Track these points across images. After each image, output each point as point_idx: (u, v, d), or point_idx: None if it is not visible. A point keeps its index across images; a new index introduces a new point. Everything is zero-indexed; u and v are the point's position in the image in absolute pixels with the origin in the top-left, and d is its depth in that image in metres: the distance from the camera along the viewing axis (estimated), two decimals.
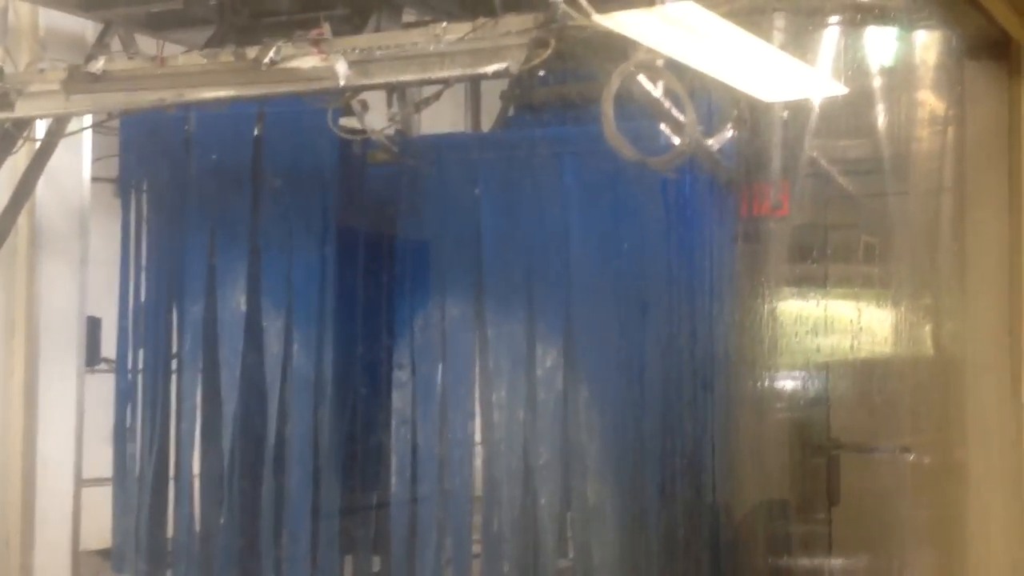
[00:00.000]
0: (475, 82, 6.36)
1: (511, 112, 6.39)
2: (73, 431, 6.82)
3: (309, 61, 4.74)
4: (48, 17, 6.49)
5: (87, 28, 6.42)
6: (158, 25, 6.07)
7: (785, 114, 4.94)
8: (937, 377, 4.96)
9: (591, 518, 5.65)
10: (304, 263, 6.10)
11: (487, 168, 5.84)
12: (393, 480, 6.06)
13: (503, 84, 6.22)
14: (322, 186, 6.07)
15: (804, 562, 5.30)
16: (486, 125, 6.60)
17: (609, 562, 5.61)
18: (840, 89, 4.67)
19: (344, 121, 5.66)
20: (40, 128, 6.15)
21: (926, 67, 5.10)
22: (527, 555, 5.80)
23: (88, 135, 6.58)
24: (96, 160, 6.96)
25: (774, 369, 5.31)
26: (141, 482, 6.49)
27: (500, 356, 5.83)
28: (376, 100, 5.79)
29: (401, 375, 6.06)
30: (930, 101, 5.21)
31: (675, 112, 4.50)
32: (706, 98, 4.93)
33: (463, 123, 6.59)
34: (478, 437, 6.03)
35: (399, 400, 6.05)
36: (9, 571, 6.54)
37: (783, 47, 4.27)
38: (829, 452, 5.18)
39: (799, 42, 4.52)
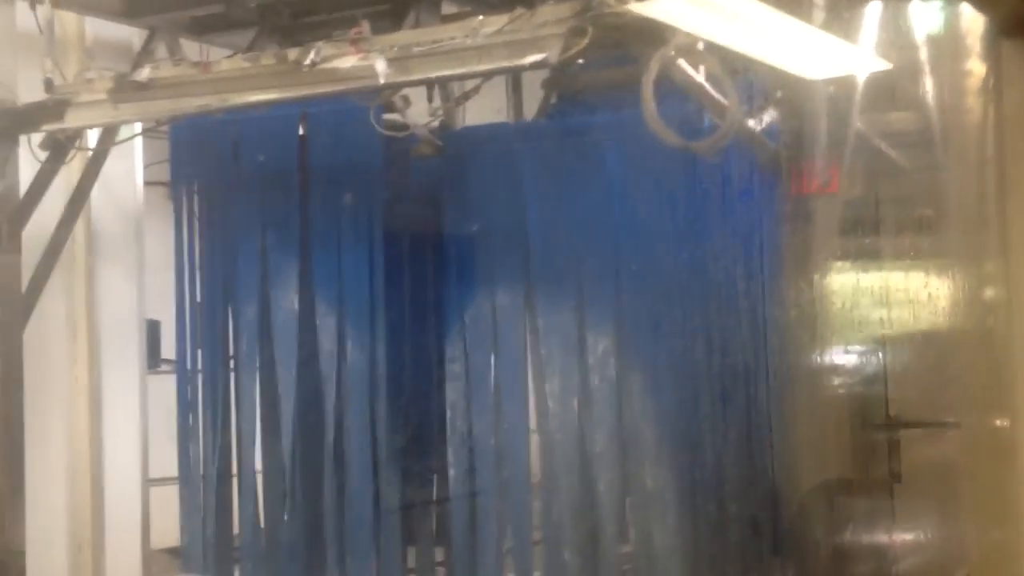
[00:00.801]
0: (513, 74, 6.33)
1: (553, 100, 6.37)
2: (138, 433, 6.94)
3: (348, 60, 4.76)
4: (94, 26, 6.58)
5: (134, 35, 6.50)
6: (201, 30, 6.13)
7: (830, 90, 4.85)
8: (992, 350, 4.87)
9: (650, 503, 5.63)
10: (353, 260, 6.14)
11: (531, 157, 5.83)
12: (451, 471, 6.10)
13: (544, 72, 6.20)
14: (367, 182, 6.10)
15: (867, 542, 5.25)
16: (529, 113, 6.58)
17: (670, 546, 5.60)
18: (883, 64, 4.59)
19: (387, 117, 5.69)
20: (91, 136, 6.26)
21: (972, 37, 4.99)
22: (587, 542, 5.80)
23: (139, 141, 6.67)
24: (148, 165, 7.07)
25: (830, 347, 5.24)
26: (205, 481, 6.58)
27: (552, 345, 5.82)
28: (418, 94, 5.80)
29: (454, 367, 6.09)
30: (976, 71, 5.10)
31: (716, 95, 4.45)
32: (747, 79, 4.87)
33: (506, 112, 6.57)
34: (533, 426, 6.04)
35: (453, 392, 6.08)
36: (82, 572, 6.67)
37: (824, 25, 4.20)
38: (889, 429, 5.11)
39: (840, 17, 4.44)
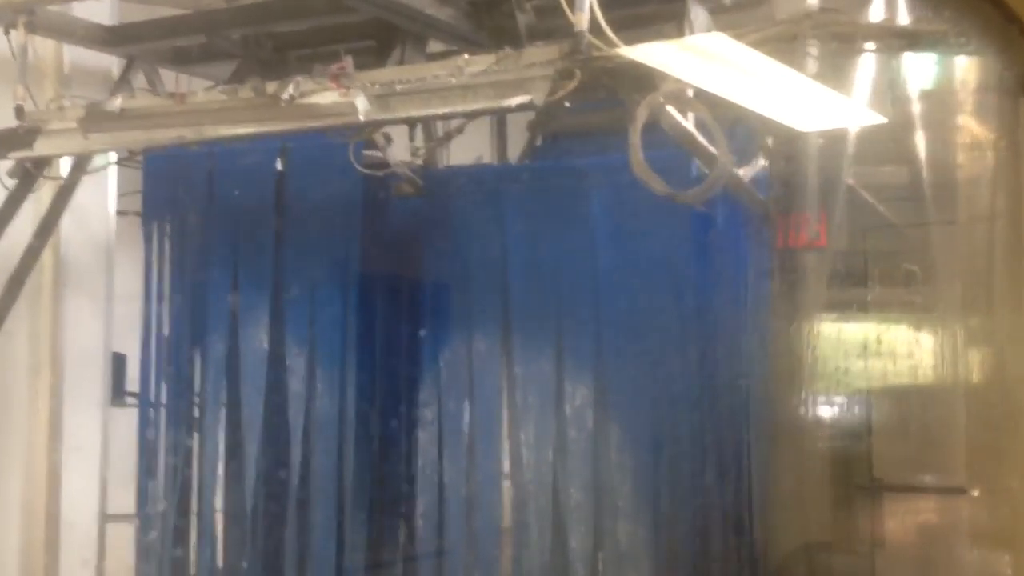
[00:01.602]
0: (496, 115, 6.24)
1: (538, 142, 6.27)
2: (98, 468, 6.75)
3: (329, 96, 4.65)
4: (73, 53, 6.46)
5: (113, 63, 6.38)
6: (182, 60, 6.02)
7: (820, 143, 4.76)
8: (989, 410, 4.76)
9: (623, 559, 5.48)
10: (327, 300, 6.01)
11: (514, 200, 5.73)
12: (419, 520, 5.94)
13: (530, 114, 6.10)
14: (345, 221, 5.98)
15: None
16: (513, 154, 6.47)
17: None
18: (877, 118, 4.50)
19: (367, 153, 5.57)
20: (63, 164, 6.11)
21: (966, 91, 4.92)
22: None
23: (113, 170, 6.54)
24: (122, 195, 6.92)
25: (813, 404, 5.12)
26: (163, 520, 6.41)
27: (528, 394, 5.70)
28: (399, 132, 5.69)
29: (426, 413, 5.94)
30: (971, 127, 5.03)
31: (705, 143, 4.34)
32: (737, 127, 4.78)
33: (489, 153, 6.46)
34: (506, 477, 5.89)
35: (425, 439, 5.93)
36: None
37: (817, 76, 4.11)
38: (872, 491, 4.98)
39: (834, 69, 4.35)
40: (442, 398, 5.91)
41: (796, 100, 4.19)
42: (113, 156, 6.15)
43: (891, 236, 5.28)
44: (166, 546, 6.38)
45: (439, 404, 5.92)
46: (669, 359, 5.46)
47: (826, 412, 5.16)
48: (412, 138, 5.45)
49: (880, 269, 5.10)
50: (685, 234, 5.32)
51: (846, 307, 5.11)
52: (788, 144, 4.75)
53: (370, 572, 6.13)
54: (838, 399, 5.16)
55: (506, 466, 5.86)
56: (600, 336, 5.56)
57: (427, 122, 5.51)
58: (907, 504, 5.07)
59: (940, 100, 4.99)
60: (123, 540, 6.76)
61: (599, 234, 5.52)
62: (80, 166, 6.02)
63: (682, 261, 5.39)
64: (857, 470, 4.99)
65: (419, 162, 5.88)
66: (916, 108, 5.02)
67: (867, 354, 4.96)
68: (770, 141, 4.72)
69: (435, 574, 5.92)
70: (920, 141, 5.03)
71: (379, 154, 5.64)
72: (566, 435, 5.60)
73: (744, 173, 4.74)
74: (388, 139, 5.53)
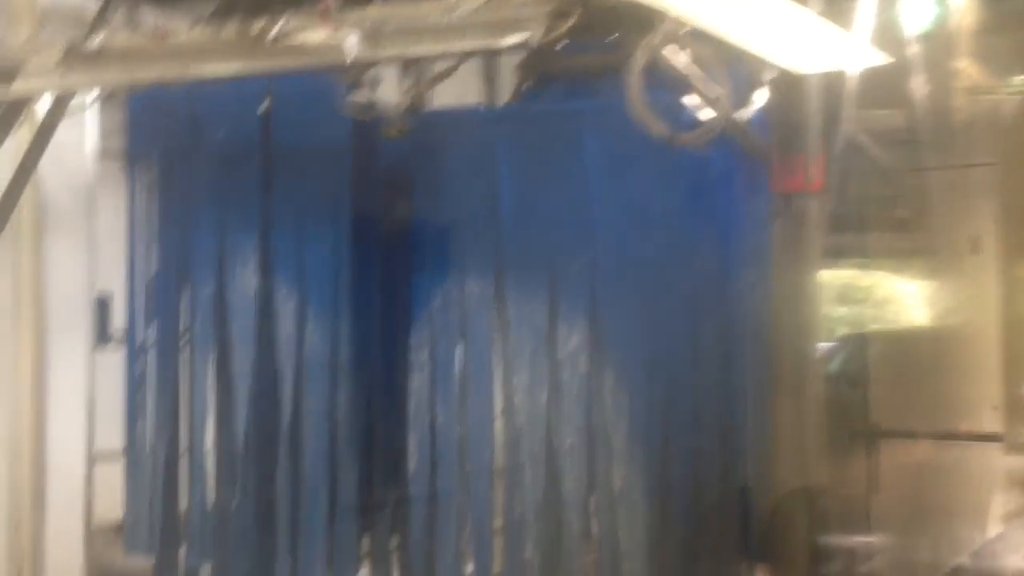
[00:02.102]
0: (490, 55, 6.10)
1: (528, 84, 6.15)
2: (84, 408, 6.72)
3: (316, 35, 4.51)
4: None
5: (89, 2, 6.20)
6: None
7: (820, 84, 4.67)
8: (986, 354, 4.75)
9: (616, 502, 5.49)
10: (317, 241, 5.93)
11: (505, 142, 5.63)
12: (411, 462, 5.93)
13: (518, 55, 5.97)
14: (334, 162, 5.88)
15: (840, 549, 5.14)
16: (502, 98, 6.35)
17: (635, 546, 5.46)
18: (881, 59, 4.41)
19: (355, 96, 5.45)
20: (42, 105, 5.96)
21: (967, 33, 4.83)
22: (550, 538, 5.66)
23: (93, 110, 6.39)
24: (102, 135, 6.79)
25: (810, 347, 5.10)
26: (153, 460, 6.39)
27: (521, 337, 5.65)
28: (388, 73, 5.56)
29: (419, 355, 5.90)
30: (969, 69, 4.95)
31: (703, 85, 4.25)
32: (735, 68, 4.68)
33: (478, 95, 6.35)
34: (498, 420, 5.87)
35: (417, 382, 5.89)
36: (21, 552, 6.46)
37: (821, 14, 4.01)
38: (869, 436, 4.99)
39: (836, 7, 4.25)
40: (434, 340, 5.85)
41: (798, 39, 4.10)
42: (91, 97, 6.01)
43: (889, 180, 5.24)
44: (156, 486, 6.37)
45: (431, 346, 5.87)
46: (664, 303, 5.42)
47: (822, 357, 5.15)
48: (403, 78, 5.33)
49: (877, 214, 5.07)
50: (681, 177, 5.25)
51: (844, 252, 5.08)
52: (788, 85, 4.66)
53: (362, 513, 6.14)
54: (834, 345, 5.16)
55: (499, 409, 5.84)
56: (594, 279, 5.50)
57: (417, 62, 5.37)
58: (903, 449, 5.10)
59: (940, 42, 4.91)
60: (111, 480, 6.75)
61: (593, 177, 5.43)
62: (59, 106, 5.86)
63: (677, 204, 5.32)
64: (856, 415, 5.00)
65: (406, 104, 5.77)
66: (915, 50, 4.94)
67: (863, 300, 4.94)
68: (768, 83, 4.61)
69: (428, 515, 5.91)
70: (918, 83, 4.96)
71: (367, 95, 5.52)
72: (559, 378, 5.57)
73: (742, 115, 4.65)
74: (377, 80, 5.40)
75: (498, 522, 5.89)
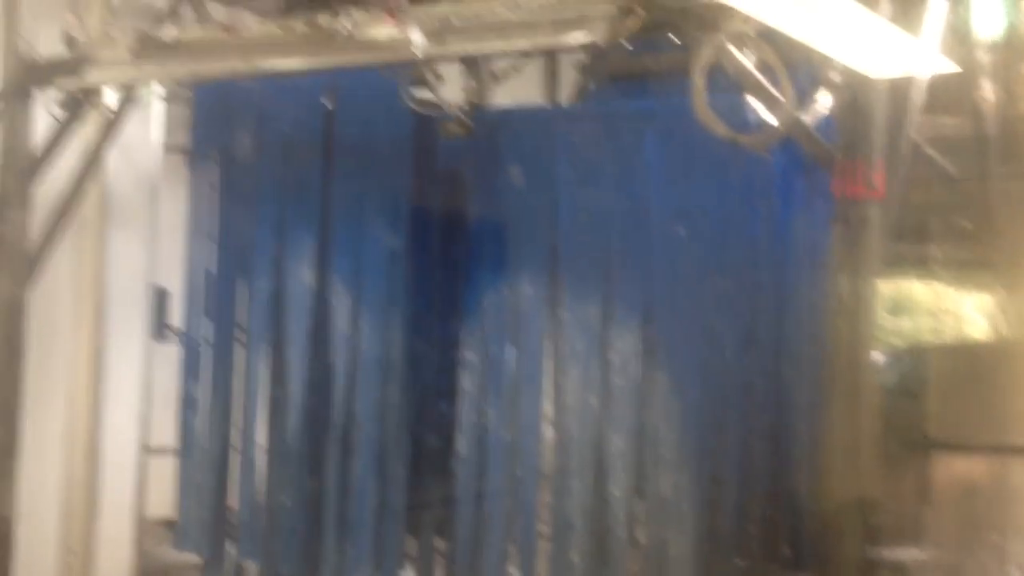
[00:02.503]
0: (554, 53, 6.12)
1: (590, 84, 6.16)
2: (139, 401, 6.78)
3: (384, 31, 4.56)
4: None
5: None
6: None
7: (886, 89, 4.62)
8: None
9: (665, 509, 5.44)
10: (375, 239, 5.97)
11: (565, 142, 5.63)
12: (460, 463, 5.91)
13: (579, 55, 5.99)
14: (395, 160, 5.92)
15: (892, 562, 5.05)
16: (564, 97, 6.36)
17: (683, 555, 5.41)
18: (949, 65, 4.36)
19: (418, 93, 5.49)
20: (111, 97, 6.06)
21: None
22: (597, 544, 5.62)
23: (159, 104, 6.49)
24: (169, 130, 6.88)
25: (869, 357, 5.02)
26: (206, 455, 6.44)
27: (574, 339, 5.63)
28: (451, 71, 5.60)
29: (470, 356, 5.90)
30: None
31: (769, 86, 4.23)
32: (800, 70, 4.65)
33: (540, 95, 6.36)
34: (548, 423, 5.84)
35: (468, 382, 5.88)
36: (73, 540, 6.52)
37: (891, 18, 3.98)
38: (925, 448, 4.91)
39: (907, 13, 4.21)
40: (487, 341, 5.85)
41: (866, 42, 4.07)
42: (161, 89, 6.10)
43: (952, 189, 5.17)
44: (207, 481, 6.41)
45: (484, 347, 5.86)
46: (719, 308, 5.38)
47: (880, 367, 5.07)
48: (467, 76, 5.36)
49: (940, 223, 5.00)
50: (742, 180, 5.22)
51: (904, 262, 5.01)
52: (853, 89, 4.62)
53: (411, 513, 6.14)
54: (893, 354, 5.09)
55: (549, 411, 5.81)
56: (650, 283, 5.48)
57: (481, 60, 5.40)
58: (959, 463, 5.01)
59: (1008, 48, 4.84)
60: (164, 474, 6.80)
61: (653, 179, 5.43)
62: (129, 97, 5.96)
63: (739, 208, 5.29)
64: (911, 427, 4.92)
65: (466, 104, 5.80)
66: (983, 57, 4.88)
67: (923, 310, 4.87)
68: (835, 85, 4.56)
69: (475, 518, 5.89)
70: (986, 91, 4.90)
71: (430, 93, 5.55)
72: (611, 382, 5.54)
73: (807, 118, 4.61)
74: (439, 77, 5.44)
75: (545, 526, 5.87)
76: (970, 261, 5.14)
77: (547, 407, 5.81)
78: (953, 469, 5.08)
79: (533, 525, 5.81)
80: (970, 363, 5.04)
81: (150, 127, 6.62)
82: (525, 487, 5.79)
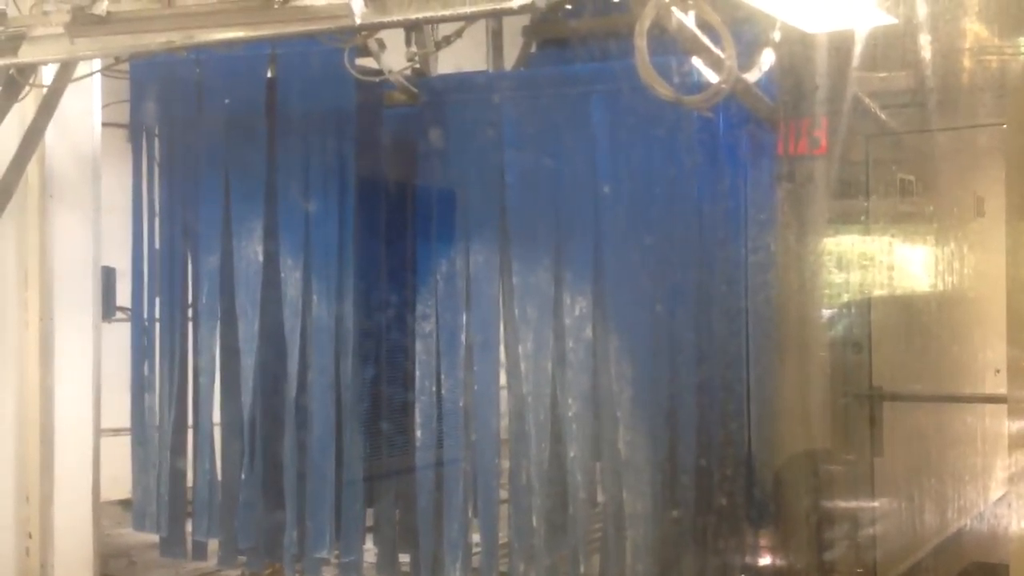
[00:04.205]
0: (497, 18, 6.08)
1: (534, 49, 6.13)
2: (91, 382, 6.72)
3: None
4: None
5: None
6: None
7: (826, 45, 4.66)
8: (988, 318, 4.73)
9: (622, 469, 5.48)
10: (322, 209, 5.92)
11: (511, 108, 5.59)
12: (417, 432, 5.91)
13: (524, 19, 5.96)
14: (339, 129, 5.87)
15: (843, 513, 5.15)
16: (508, 63, 6.33)
17: (641, 512, 5.46)
18: (888, 19, 4.40)
19: (360, 61, 5.44)
20: (47, 73, 5.96)
21: None
22: (556, 507, 5.66)
23: (97, 79, 6.39)
24: (106, 105, 6.78)
25: (814, 311, 5.09)
26: (160, 434, 6.41)
27: (527, 305, 5.62)
28: (393, 38, 5.55)
29: (424, 325, 5.88)
30: (975, 29, 4.93)
31: (711, 46, 4.25)
32: (742, 29, 4.67)
33: (484, 62, 6.32)
34: (504, 389, 5.86)
35: (423, 351, 5.87)
36: (29, 524, 6.47)
37: None
38: (872, 400, 4.98)
39: None
40: (440, 309, 5.83)
41: None
42: (97, 64, 6.00)
43: (892, 144, 5.22)
44: (163, 460, 6.38)
45: (436, 315, 5.84)
46: (669, 269, 5.40)
47: (827, 322, 5.14)
48: (409, 43, 5.32)
49: (882, 177, 5.05)
50: (688, 141, 5.24)
51: (848, 217, 5.06)
52: (794, 46, 4.65)
53: (368, 483, 6.14)
54: (838, 309, 5.15)
55: (504, 377, 5.83)
56: (600, 246, 5.48)
57: (423, 27, 5.36)
58: (906, 413, 5.09)
59: (946, 2, 4.89)
60: (120, 455, 6.76)
61: (599, 142, 5.41)
62: (65, 73, 5.86)
63: (685, 169, 5.30)
64: (858, 379, 4.99)
65: (410, 70, 5.75)
66: (921, 10, 4.92)
67: (868, 264, 4.93)
68: (777, 41, 4.58)
69: (434, 485, 5.90)
70: (924, 44, 4.95)
71: (372, 62, 5.51)
72: (565, 346, 5.55)
73: (749, 77, 4.64)
74: (382, 45, 5.39)
75: (504, 491, 5.90)
76: (912, 214, 5.21)
77: (502, 373, 5.83)
78: (901, 419, 5.16)
79: (493, 491, 5.83)
80: (914, 315, 5.12)
81: (89, 103, 6.52)
82: (483, 453, 5.81)
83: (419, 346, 5.87)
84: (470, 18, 4.53)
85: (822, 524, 5.04)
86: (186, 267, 6.35)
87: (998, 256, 3.97)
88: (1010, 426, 3.76)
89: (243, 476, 6.18)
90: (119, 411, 6.68)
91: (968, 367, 5.28)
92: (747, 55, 4.60)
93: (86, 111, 6.53)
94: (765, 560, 5.49)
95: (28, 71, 5.60)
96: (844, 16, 4.25)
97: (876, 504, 5.21)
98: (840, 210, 5.12)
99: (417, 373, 5.88)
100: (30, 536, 6.44)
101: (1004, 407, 3.83)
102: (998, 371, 4.98)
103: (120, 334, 6.91)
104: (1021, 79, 4.01)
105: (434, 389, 5.86)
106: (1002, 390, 4.07)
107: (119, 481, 6.99)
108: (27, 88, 5.70)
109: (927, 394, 5.05)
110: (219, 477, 6.30)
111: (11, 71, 5.47)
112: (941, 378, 5.11)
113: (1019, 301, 3.75)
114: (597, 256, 5.50)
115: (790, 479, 5.07)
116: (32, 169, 6.33)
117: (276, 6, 4.58)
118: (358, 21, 4.50)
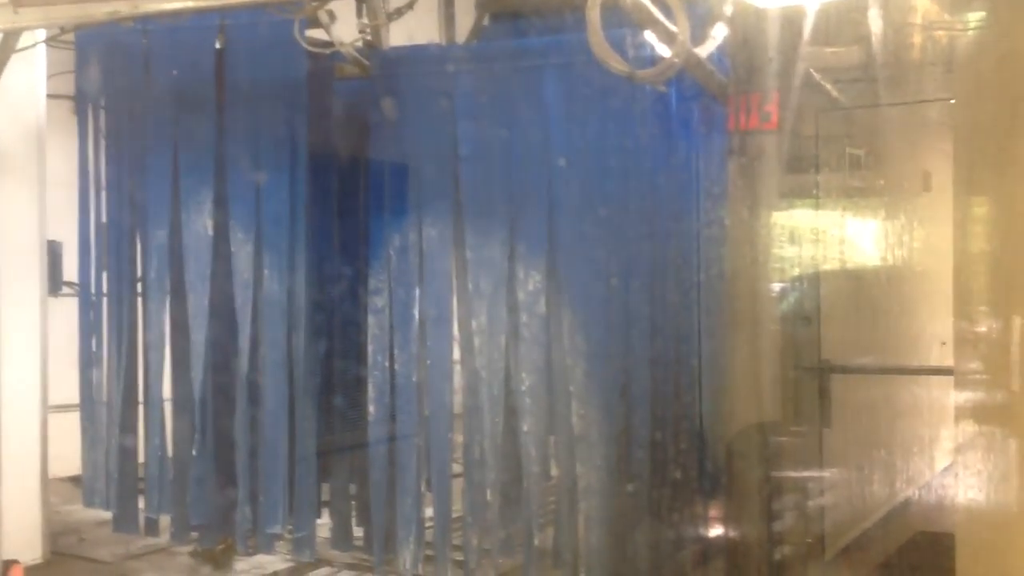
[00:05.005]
0: None
1: (487, 21, 6.09)
2: (38, 358, 6.63)
3: None
4: None
5: None
6: None
7: (777, 19, 4.67)
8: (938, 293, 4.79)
9: (575, 443, 5.50)
10: (273, 182, 5.85)
11: (464, 81, 5.56)
12: (371, 407, 5.89)
13: None
14: (289, 101, 5.80)
15: (793, 484, 5.21)
16: (461, 35, 6.28)
17: (594, 486, 5.49)
18: None
19: (310, 33, 5.38)
20: None
21: None
22: (510, 481, 5.68)
23: (42, 51, 6.26)
24: (52, 76, 6.65)
25: (764, 285, 5.13)
26: (109, 410, 6.34)
27: (480, 278, 5.61)
28: (344, 10, 5.49)
29: (377, 299, 5.85)
30: (924, 5, 4.97)
31: (664, 20, 4.24)
32: (695, 3, 4.66)
33: (436, 34, 6.27)
34: (458, 363, 5.85)
35: (375, 326, 5.84)
36: None
37: None
38: (819, 372, 5.04)
39: None
40: (393, 283, 5.80)
41: None
42: (41, 34, 5.88)
43: (843, 118, 5.26)
44: (112, 436, 6.32)
45: (389, 289, 5.81)
46: (623, 243, 5.41)
47: (777, 295, 5.18)
48: (360, 15, 5.25)
49: (832, 152, 5.09)
50: (641, 115, 5.23)
51: (798, 191, 5.10)
52: (746, 21, 4.65)
53: (321, 458, 6.12)
54: (788, 282, 5.19)
55: (457, 351, 5.82)
56: (553, 219, 5.47)
57: None
58: (853, 384, 5.15)
59: None
60: (66, 431, 6.68)
61: (552, 115, 5.39)
62: (8, 44, 5.74)
63: (637, 143, 5.30)
64: (807, 352, 5.04)
65: (361, 43, 5.69)
66: None
67: (817, 238, 4.97)
68: (729, 15, 4.59)
69: (387, 460, 5.89)
70: (874, 20, 4.97)
71: (323, 34, 5.44)
72: (518, 320, 5.55)
73: (701, 51, 4.64)
74: (332, 17, 5.33)
75: (458, 465, 5.90)
76: (861, 189, 5.25)
77: (455, 347, 5.82)
78: (850, 391, 5.22)
79: (446, 465, 5.83)
80: (863, 289, 5.17)
81: (33, 75, 6.40)
82: (436, 428, 5.80)
83: (372, 320, 5.84)
84: None
85: (772, 495, 5.09)
86: (134, 241, 6.26)
87: (945, 230, 4.01)
88: (956, 397, 3.82)
89: (194, 452, 6.13)
90: (68, 387, 6.60)
91: (915, 340, 5.34)
92: (699, 29, 4.60)
93: (31, 83, 6.41)
94: (717, 531, 5.55)
95: None
96: None
97: (825, 475, 5.27)
98: (791, 184, 5.15)
99: (370, 348, 5.86)
100: None
101: (950, 379, 3.88)
102: (944, 343, 5.05)
103: (67, 309, 6.82)
104: (969, 54, 4.04)
105: (387, 364, 5.84)
106: (948, 362, 4.13)
107: (68, 458, 6.91)
108: None
109: (875, 366, 5.11)
110: (170, 453, 6.25)
111: None
112: (889, 351, 5.17)
113: (965, 274, 3.80)
114: (551, 229, 5.50)
115: (741, 451, 5.11)
116: None
117: None
118: None
